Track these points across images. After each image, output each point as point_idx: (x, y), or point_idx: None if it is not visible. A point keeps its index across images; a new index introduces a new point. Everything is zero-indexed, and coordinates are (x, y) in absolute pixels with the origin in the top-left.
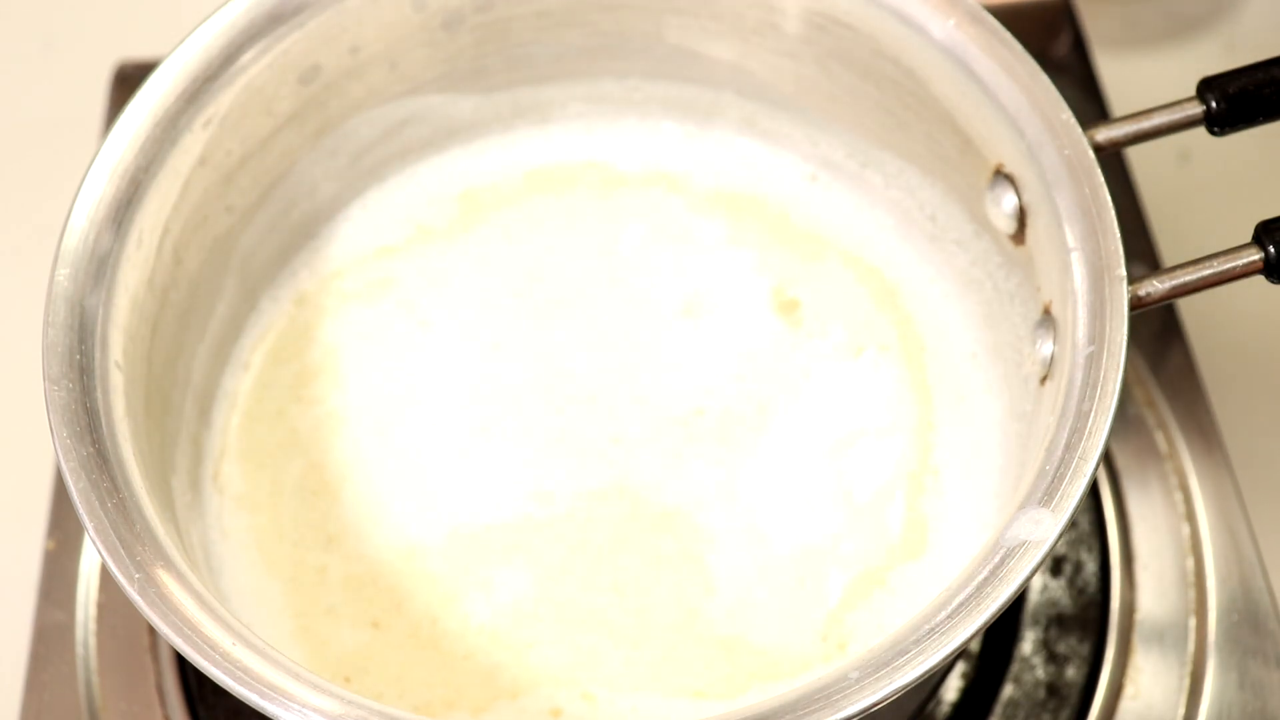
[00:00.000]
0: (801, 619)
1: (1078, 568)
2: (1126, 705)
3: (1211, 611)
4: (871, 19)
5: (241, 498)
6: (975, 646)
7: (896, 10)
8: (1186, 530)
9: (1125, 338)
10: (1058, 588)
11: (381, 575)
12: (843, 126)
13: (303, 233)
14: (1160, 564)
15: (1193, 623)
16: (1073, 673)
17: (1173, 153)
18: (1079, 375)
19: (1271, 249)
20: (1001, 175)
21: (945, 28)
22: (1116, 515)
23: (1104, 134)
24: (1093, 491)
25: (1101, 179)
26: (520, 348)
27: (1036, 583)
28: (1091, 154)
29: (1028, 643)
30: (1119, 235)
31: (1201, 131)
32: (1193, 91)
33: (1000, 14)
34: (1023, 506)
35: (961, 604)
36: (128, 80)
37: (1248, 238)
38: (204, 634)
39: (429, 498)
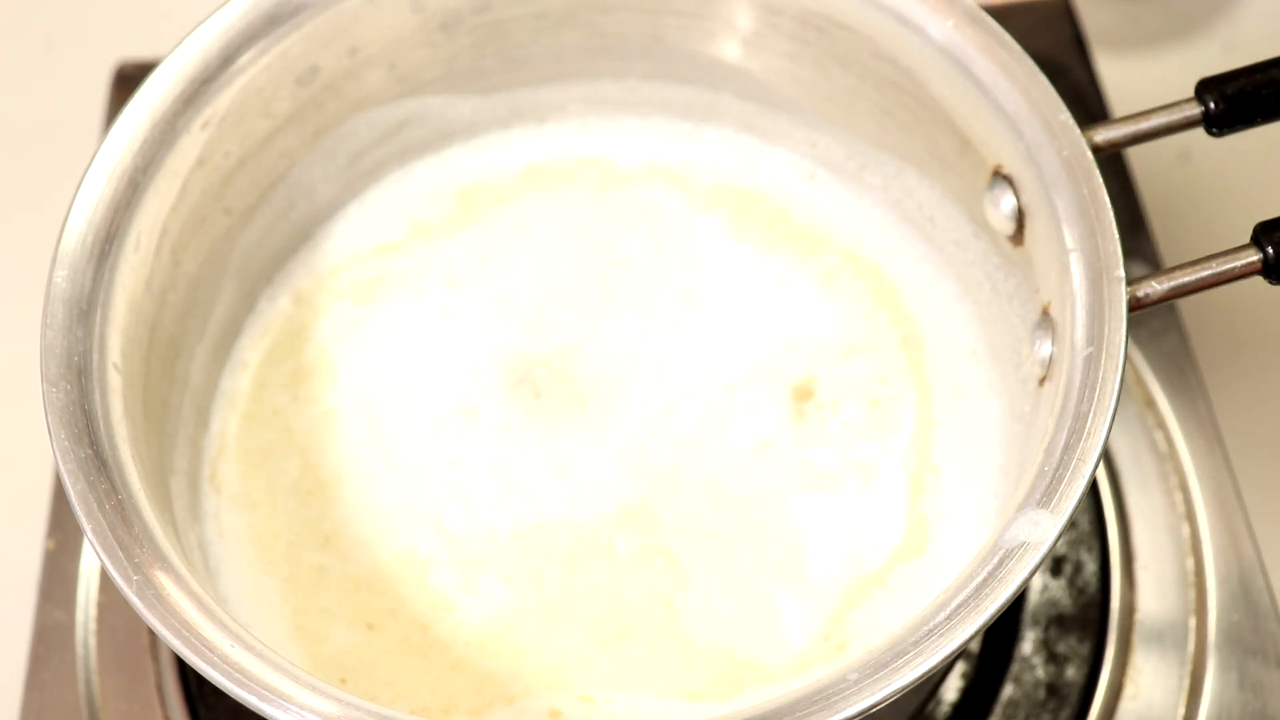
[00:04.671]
0: (802, 620)
1: (1078, 568)
2: (1126, 705)
3: (1211, 611)
4: (870, 20)
5: (238, 497)
6: (975, 646)
7: (895, 11)
8: (1186, 530)
9: (1124, 339)
10: (1058, 588)
11: (376, 578)
12: (841, 127)
13: (301, 233)
14: (1160, 564)
15: (1193, 623)
16: (1073, 673)
17: (1173, 153)
18: (1077, 376)
19: (1270, 250)
20: (1000, 176)
21: (944, 29)
22: (1116, 515)
23: (1102, 135)
24: (1093, 491)
25: (1100, 180)
26: (516, 348)
27: (1036, 583)
28: (1090, 155)
29: (1028, 643)
30: (1117, 236)
31: (1201, 132)
32: (1191, 92)
33: (999, 14)
34: (1021, 507)
35: (960, 605)
36: (128, 80)
37: (1248, 238)
38: (202, 636)
39: (421, 500)
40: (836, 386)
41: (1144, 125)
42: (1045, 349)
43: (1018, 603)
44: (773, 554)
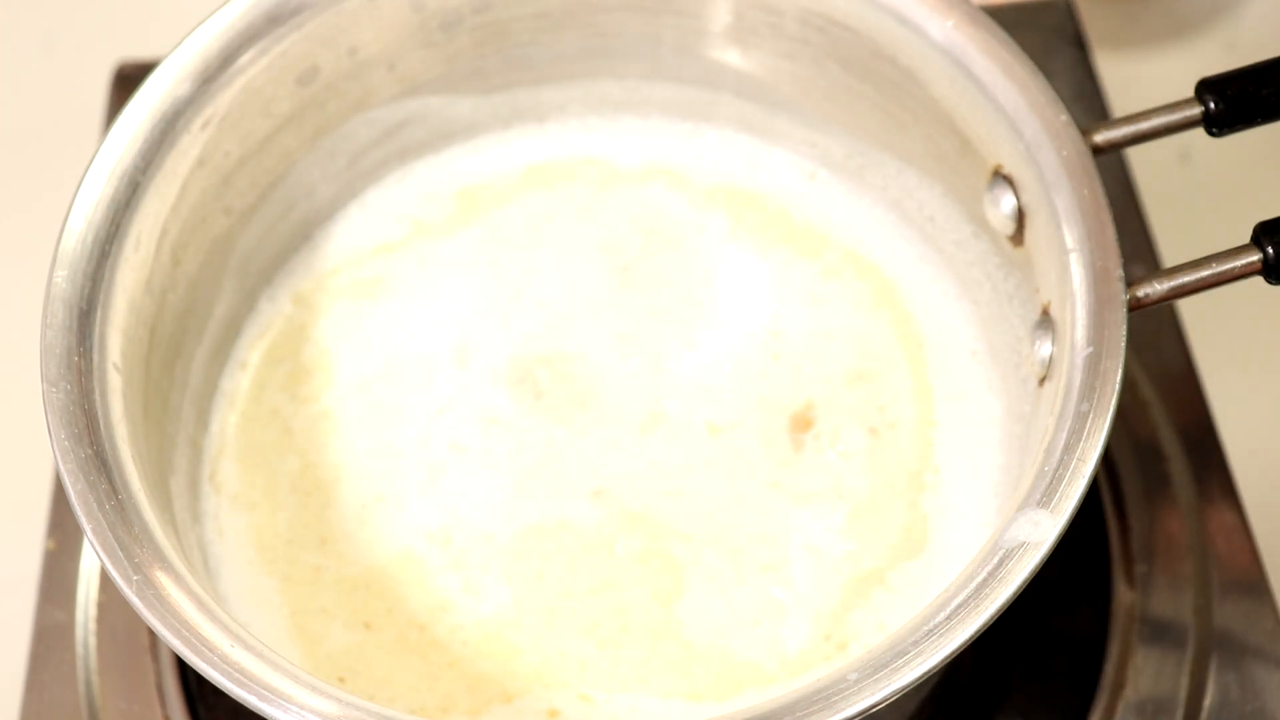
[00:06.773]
0: (801, 619)
1: (1078, 568)
2: (1126, 705)
3: (1211, 611)
4: (870, 20)
5: (238, 496)
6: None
7: (895, 11)
8: (1186, 530)
9: (1124, 339)
10: (1058, 588)
11: (374, 578)
12: (841, 127)
13: (301, 233)
14: (1160, 564)
15: (1193, 623)
16: (1073, 672)
17: (1173, 153)
18: (1078, 376)
19: (1270, 250)
20: (1000, 176)
21: (944, 29)
22: (1116, 515)
23: (1102, 135)
24: (1092, 491)
25: (1099, 181)
26: (517, 348)
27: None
28: (1090, 155)
29: (1028, 642)
30: (1117, 237)
31: (1201, 132)
32: (1191, 92)
33: (1000, 14)
34: (1021, 508)
35: (960, 605)
36: (128, 80)
37: (1248, 238)
38: (202, 636)
39: (420, 500)
40: (836, 414)
41: (1144, 125)
42: (1045, 349)
43: (1017, 604)
44: (772, 554)
